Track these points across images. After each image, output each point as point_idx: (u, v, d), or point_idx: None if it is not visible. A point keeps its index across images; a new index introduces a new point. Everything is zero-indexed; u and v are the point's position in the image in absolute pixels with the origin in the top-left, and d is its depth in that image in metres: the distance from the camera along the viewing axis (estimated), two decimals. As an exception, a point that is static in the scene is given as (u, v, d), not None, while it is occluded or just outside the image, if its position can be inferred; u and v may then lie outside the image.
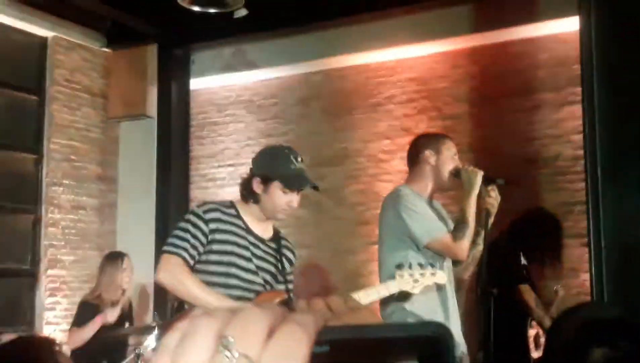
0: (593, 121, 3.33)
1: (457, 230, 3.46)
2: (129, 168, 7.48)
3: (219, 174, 7.38)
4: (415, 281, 3.22)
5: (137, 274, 5.66)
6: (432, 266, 3.30)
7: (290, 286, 3.39)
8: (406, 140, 6.47)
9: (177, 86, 7.35)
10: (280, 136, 7.13)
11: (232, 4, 5.13)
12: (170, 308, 3.11)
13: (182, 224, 3.19)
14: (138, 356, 4.76)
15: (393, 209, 3.53)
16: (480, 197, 3.43)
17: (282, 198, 3.20)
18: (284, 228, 6.82)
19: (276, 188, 3.20)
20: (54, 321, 6.64)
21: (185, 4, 5.03)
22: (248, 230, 3.26)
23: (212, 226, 3.17)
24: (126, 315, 5.40)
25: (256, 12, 5.92)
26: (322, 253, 6.68)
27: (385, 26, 6.45)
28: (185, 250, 3.11)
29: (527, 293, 4.27)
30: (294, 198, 3.22)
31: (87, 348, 4.86)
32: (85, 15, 7.00)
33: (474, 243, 3.50)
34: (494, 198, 3.40)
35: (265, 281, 3.25)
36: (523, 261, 4.41)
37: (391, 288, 3.20)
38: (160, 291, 6.93)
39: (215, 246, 3.16)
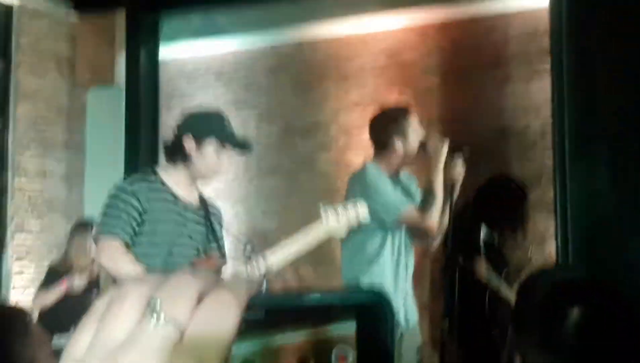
0: (562, 93, 3.36)
1: (425, 202, 3.51)
2: (96, 135, 7.39)
3: (188, 144, 7.34)
4: (340, 218, 3.23)
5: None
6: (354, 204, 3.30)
7: (224, 249, 3.39)
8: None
9: (146, 54, 7.24)
10: (251, 108, 7.10)
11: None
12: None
13: (112, 202, 3.13)
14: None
15: (359, 190, 3.56)
16: (445, 167, 3.45)
17: (215, 158, 3.16)
18: (257, 198, 6.86)
19: (210, 146, 3.14)
20: (22, 285, 6.60)
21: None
22: (176, 198, 3.20)
23: (142, 197, 3.12)
24: (94, 282, 5.38)
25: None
26: (293, 222, 6.68)
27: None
28: (122, 228, 3.06)
29: (479, 265, 4.32)
30: (225, 161, 3.18)
31: (55, 315, 4.84)
32: (51, -19, 6.87)
33: (442, 212, 3.53)
34: (460, 166, 3.42)
35: (199, 248, 3.23)
36: (484, 231, 4.43)
37: (320, 231, 3.20)
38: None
39: (147, 218, 3.11)
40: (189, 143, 3.15)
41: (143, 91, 7.21)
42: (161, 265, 3.11)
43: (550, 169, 5.60)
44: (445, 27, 6.39)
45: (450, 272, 3.54)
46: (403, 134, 3.60)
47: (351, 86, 6.68)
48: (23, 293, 6.48)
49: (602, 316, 1.45)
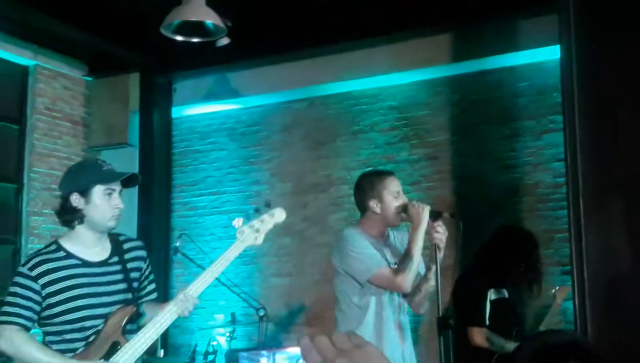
0: (574, 149, 3.36)
1: (400, 263, 3.56)
2: (110, 196, 7.44)
3: (200, 203, 7.36)
4: (257, 230, 3.24)
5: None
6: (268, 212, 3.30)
7: (150, 287, 3.39)
8: (388, 168, 6.52)
9: (159, 114, 7.35)
10: (263, 163, 7.15)
11: (214, 34, 5.15)
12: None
13: (11, 289, 3.08)
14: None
15: (337, 251, 3.63)
16: (428, 232, 3.49)
17: (107, 202, 3.13)
18: (268, 257, 6.84)
19: (97, 192, 3.12)
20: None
21: (168, 34, 5.04)
22: (84, 263, 3.17)
23: (42, 280, 3.07)
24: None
25: (239, 41, 5.95)
26: (306, 280, 6.67)
27: (367, 55, 6.51)
28: (19, 315, 3.04)
29: (478, 336, 4.22)
30: (117, 200, 3.15)
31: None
32: (66, 44, 6.99)
33: (425, 278, 3.55)
34: (442, 232, 3.45)
35: (121, 300, 3.19)
36: (492, 291, 4.32)
37: (234, 250, 3.20)
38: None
39: (54, 298, 3.08)
40: (76, 201, 3.12)
41: (156, 151, 7.30)
42: (80, 335, 3.10)
43: (562, 224, 5.60)
44: (454, 81, 6.44)
45: (444, 333, 3.51)
46: (379, 199, 3.66)
47: (362, 142, 6.72)
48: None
49: None
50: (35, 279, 3.06)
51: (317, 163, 6.90)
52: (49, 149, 7.06)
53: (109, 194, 3.14)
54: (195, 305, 3.16)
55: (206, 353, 5.77)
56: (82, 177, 3.15)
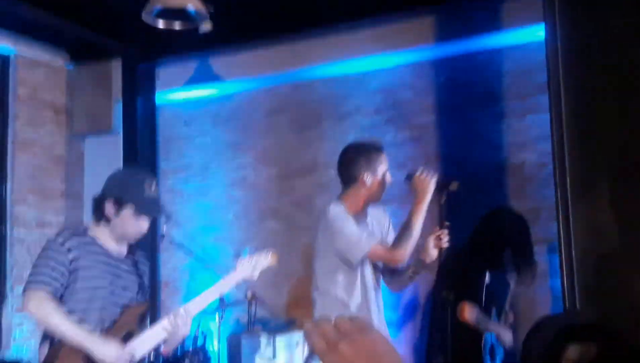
0: (560, 128, 3.37)
1: (398, 238, 3.52)
2: (95, 183, 7.33)
3: (186, 189, 7.33)
4: (254, 267, 3.41)
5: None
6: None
7: (147, 296, 3.55)
8: (374, 150, 6.51)
9: (142, 101, 7.29)
10: (248, 148, 7.11)
11: (197, 20, 5.10)
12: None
13: (42, 257, 3.20)
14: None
15: (324, 232, 3.59)
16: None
17: (134, 224, 3.31)
18: (254, 241, 6.82)
19: (128, 212, 3.27)
20: (22, 338, 6.54)
21: (149, 21, 4.99)
22: (106, 253, 3.31)
23: (72, 255, 3.20)
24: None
25: (221, 26, 5.90)
26: (295, 264, 6.66)
27: (351, 37, 6.48)
28: (50, 283, 3.14)
29: (468, 312, 4.22)
30: (144, 225, 3.34)
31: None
32: (46, 32, 6.91)
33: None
34: (445, 241, 3.45)
35: (131, 297, 3.36)
36: (487, 274, 4.33)
37: (228, 282, 3.36)
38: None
39: (78, 274, 3.19)
40: (109, 208, 3.28)
41: (140, 137, 7.24)
42: (97, 319, 3.22)
43: (549, 204, 5.62)
44: (439, 64, 6.43)
45: (443, 308, 3.51)
46: (373, 171, 3.64)
47: (348, 126, 6.70)
48: (24, 345, 6.42)
49: (597, 356, 1.49)
50: (66, 253, 3.18)
51: (303, 147, 6.88)
52: (32, 138, 7.01)
53: (138, 217, 3.30)
54: (186, 325, 3.28)
55: (195, 338, 5.76)
56: (123, 190, 3.29)
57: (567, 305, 3.31)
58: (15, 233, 6.75)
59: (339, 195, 3.80)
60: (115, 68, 7.22)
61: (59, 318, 3.08)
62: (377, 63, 6.58)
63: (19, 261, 6.73)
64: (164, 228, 5.66)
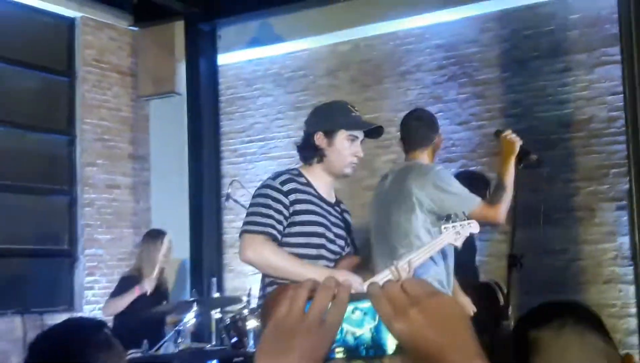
0: (633, 82, 3.26)
1: (494, 195, 3.51)
2: (160, 145, 7.52)
3: (249, 149, 7.39)
4: (457, 233, 3.22)
5: (173, 250, 5.71)
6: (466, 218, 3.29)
7: (355, 247, 3.35)
8: (436, 108, 6.43)
9: (205, 62, 7.34)
10: (310, 108, 7.09)
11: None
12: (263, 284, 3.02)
13: (262, 201, 3.04)
14: (178, 333, 4.81)
15: (428, 187, 3.55)
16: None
17: (348, 148, 3.12)
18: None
19: (341, 136, 3.11)
20: (94, 300, 6.73)
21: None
22: (320, 197, 3.15)
23: (292, 197, 3.04)
24: (163, 293, 5.45)
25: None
26: (356, 223, 6.68)
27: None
28: (272, 226, 2.99)
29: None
30: (358, 148, 3.14)
31: (127, 326, 4.91)
32: (110, -6, 7.02)
33: None
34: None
35: (341, 246, 3.17)
36: None
37: (438, 243, 3.20)
38: (197, 268, 7.00)
39: (297, 218, 3.05)
40: (320, 140, 3.12)
41: (203, 99, 7.31)
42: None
43: (617, 160, 5.48)
44: (503, 16, 6.27)
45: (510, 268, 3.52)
46: (439, 134, 3.75)
47: (409, 83, 6.63)
48: (95, 308, 6.60)
49: (562, 333, 1.46)
50: (286, 194, 3.03)
51: (364, 106, 6.82)
52: (99, 101, 7.14)
53: (352, 140, 3.13)
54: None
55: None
56: (330, 118, 3.15)
57: (637, 260, 3.24)
58: (85, 195, 6.91)
59: (411, 154, 3.81)
60: (178, 30, 7.28)
61: (282, 258, 2.95)
62: (438, 17, 6.47)
63: (90, 223, 6.92)
64: (229, 188, 5.74)
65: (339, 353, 0.86)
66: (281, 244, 3.03)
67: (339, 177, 3.20)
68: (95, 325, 1.89)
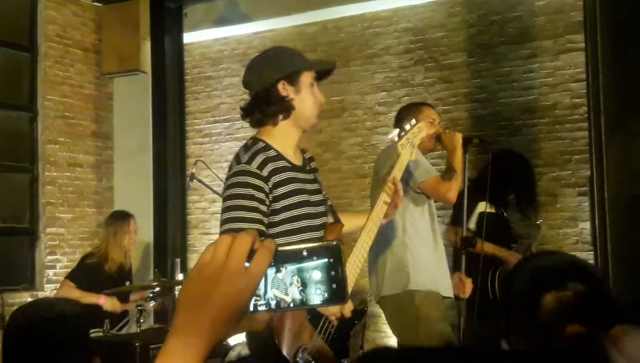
0: (596, 69, 3.30)
1: (445, 174, 3.62)
2: (124, 124, 7.43)
3: (215, 129, 7.35)
4: (412, 145, 3.05)
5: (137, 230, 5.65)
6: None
7: (333, 207, 2.99)
8: (403, 92, 6.45)
9: (170, 40, 7.26)
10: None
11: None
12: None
13: (244, 191, 2.61)
14: (140, 313, 4.78)
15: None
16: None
17: (313, 93, 2.75)
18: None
19: (306, 80, 2.74)
20: (55, 279, 6.65)
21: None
22: (294, 167, 2.75)
23: (271, 182, 2.64)
24: (126, 274, 5.38)
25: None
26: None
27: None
28: (259, 221, 2.60)
29: (487, 246, 4.24)
30: (319, 93, 2.77)
31: (89, 306, 4.85)
32: (74, -31, 6.88)
33: None
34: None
35: (322, 212, 2.82)
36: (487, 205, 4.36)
37: (404, 159, 2.99)
38: (161, 248, 6.95)
39: (279, 204, 2.66)
40: (284, 89, 2.70)
41: (169, 77, 7.24)
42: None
43: (580, 146, 5.56)
44: (470, 2, 6.30)
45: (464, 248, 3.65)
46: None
47: (377, 66, 6.63)
48: (55, 287, 6.51)
49: (577, 299, 1.48)
50: (266, 179, 2.62)
51: (331, 88, 6.82)
52: (62, 77, 7.02)
53: (312, 85, 2.76)
54: (401, 191, 2.86)
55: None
56: (288, 61, 2.74)
57: (597, 248, 3.30)
58: (47, 173, 6.81)
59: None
60: (144, 7, 7.17)
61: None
62: (406, 1, 6.47)
63: (51, 201, 6.82)
64: (193, 168, 5.70)
65: (262, 307, 0.88)
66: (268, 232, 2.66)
67: (306, 130, 2.79)
68: (67, 303, 1.89)
